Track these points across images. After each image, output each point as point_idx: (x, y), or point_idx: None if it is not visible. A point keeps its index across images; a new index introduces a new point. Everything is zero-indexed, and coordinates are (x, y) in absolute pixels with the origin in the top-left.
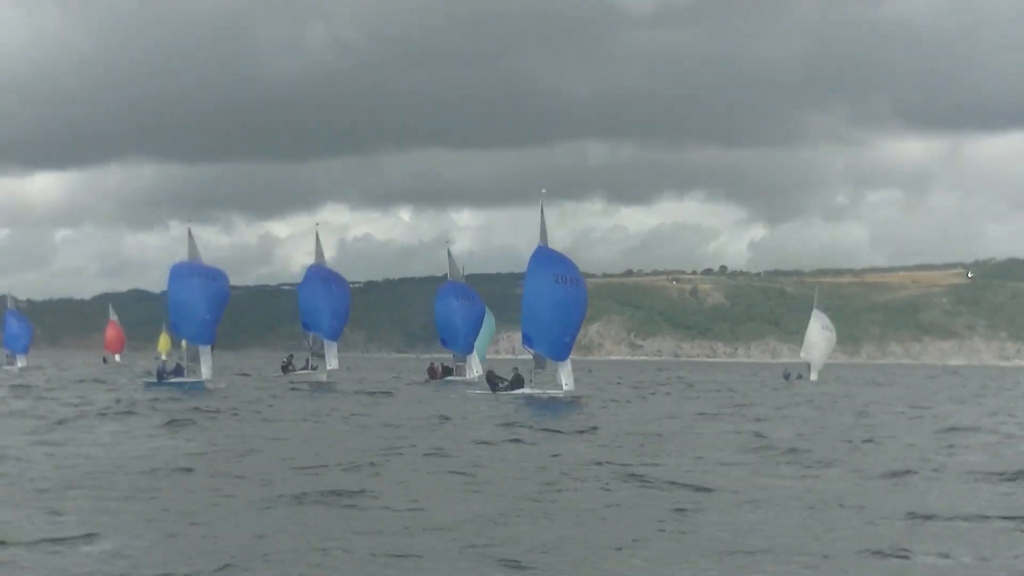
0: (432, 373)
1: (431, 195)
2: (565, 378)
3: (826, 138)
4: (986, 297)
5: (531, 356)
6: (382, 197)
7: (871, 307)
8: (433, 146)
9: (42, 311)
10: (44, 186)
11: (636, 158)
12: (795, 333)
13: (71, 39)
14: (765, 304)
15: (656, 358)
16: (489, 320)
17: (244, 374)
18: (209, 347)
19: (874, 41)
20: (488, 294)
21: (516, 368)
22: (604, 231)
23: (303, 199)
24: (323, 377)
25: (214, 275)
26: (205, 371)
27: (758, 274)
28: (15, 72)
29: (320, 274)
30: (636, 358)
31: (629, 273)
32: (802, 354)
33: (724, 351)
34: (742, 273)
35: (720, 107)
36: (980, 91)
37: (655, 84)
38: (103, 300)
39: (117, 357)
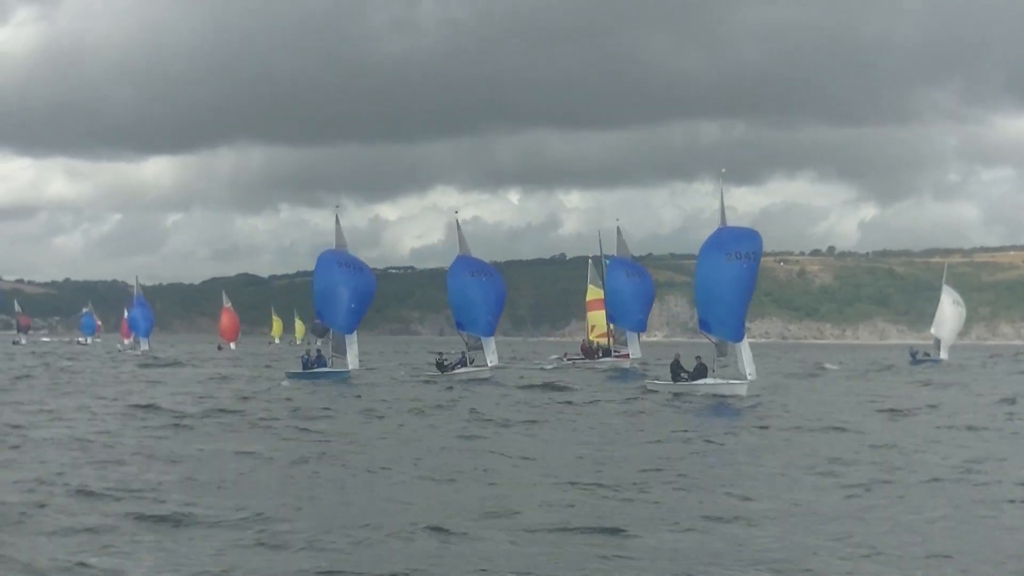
0: (588, 353)
1: (540, 176)
2: (748, 365)
3: (939, 115)
4: None
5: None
6: (491, 178)
7: (981, 287)
8: (542, 126)
9: (152, 295)
10: (156, 171)
11: (746, 137)
12: (904, 314)
13: (181, 24)
14: (873, 285)
15: (764, 340)
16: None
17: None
18: (355, 336)
19: (989, 17)
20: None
21: (699, 356)
22: (713, 212)
23: (412, 181)
24: (487, 374)
25: (359, 266)
26: (351, 360)
27: (866, 254)
28: (126, 59)
29: (469, 267)
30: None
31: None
32: (932, 330)
33: (832, 333)
34: (850, 254)
35: (831, 85)
36: None
37: (766, 62)
38: (212, 285)
39: (232, 345)
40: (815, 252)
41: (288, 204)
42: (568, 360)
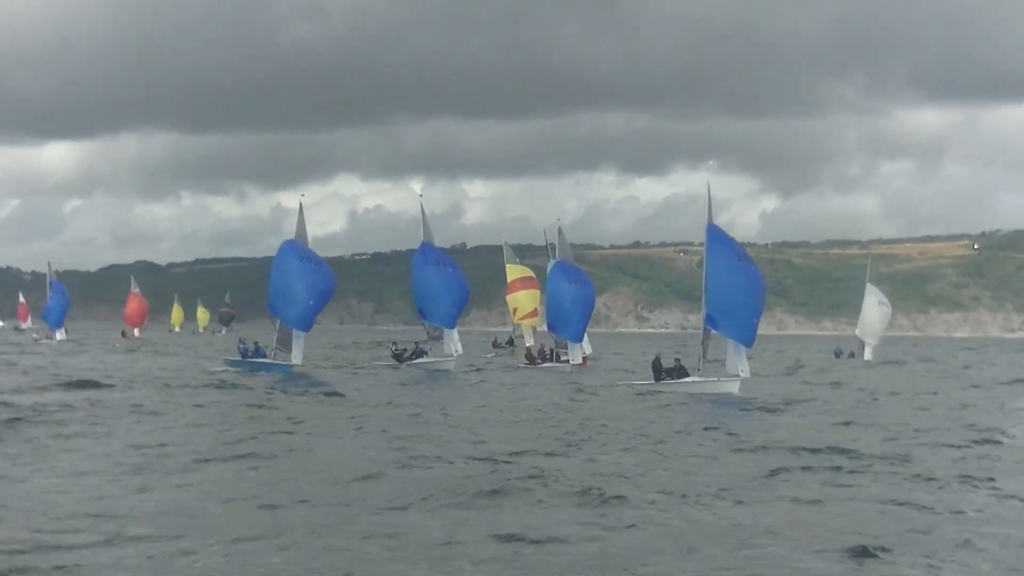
0: (531, 359)
1: (443, 165)
2: (741, 364)
3: (842, 108)
4: (992, 269)
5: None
6: (395, 167)
7: (878, 279)
8: (447, 116)
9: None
10: (56, 156)
11: (651, 128)
12: (802, 305)
13: (85, 7)
14: (772, 276)
15: (664, 330)
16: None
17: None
18: (303, 334)
19: (892, 11)
20: (501, 266)
21: (677, 357)
22: (616, 202)
23: (316, 169)
24: (451, 365)
25: (317, 259)
26: (296, 355)
27: (765, 245)
28: (28, 42)
29: (435, 257)
30: (643, 331)
31: (636, 244)
32: (857, 331)
33: None
34: (749, 244)
35: (736, 76)
36: (997, 61)
37: (672, 53)
38: (110, 272)
39: (136, 331)
40: None
41: (190, 191)
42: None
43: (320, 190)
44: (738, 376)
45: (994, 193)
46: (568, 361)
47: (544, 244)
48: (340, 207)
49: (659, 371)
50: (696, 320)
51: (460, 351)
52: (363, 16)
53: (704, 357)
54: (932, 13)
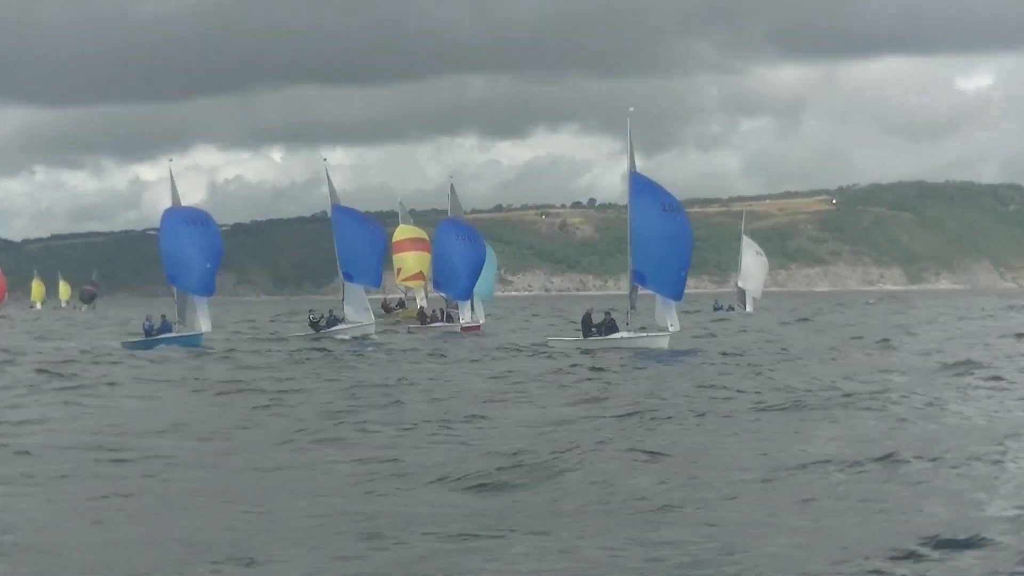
0: (423, 318)
1: (304, 134)
2: (670, 318)
3: (702, 67)
4: (850, 223)
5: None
6: (253, 136)
7: (739, 236)
8: (305, 83)
9: None
10: None
11: (512, 91)
12: None
13: None
14: None
15: (527, 292)
16: (491, 257)
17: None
18: (206, 299)
19: None
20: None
21: (609, 311)
22: (478, 166)
23: (173, 141)
24: (371, 331)
25: (204, 220)
26: (203, 323)
27: (626, 206)
28: None
29: (354, 217)
30: (507, 294)
31: (499, 208)
32: (739, 283)
33: (594, 284)
34: (611, 205)
35: (596, 37)
36: (853, 17)
37: (533, 15)
38: None
39: None
40: (576, 204)
41: (44, 166)
42: (409, 330)
43: (179, 162)
44: (667, 330)
45: (852, 149)
46: (478, 326)
47: (427, 210)
48: (199, 178)
49: (588, 327)
50: (559, 281)
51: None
52: None
53: (633, 309)
54: None
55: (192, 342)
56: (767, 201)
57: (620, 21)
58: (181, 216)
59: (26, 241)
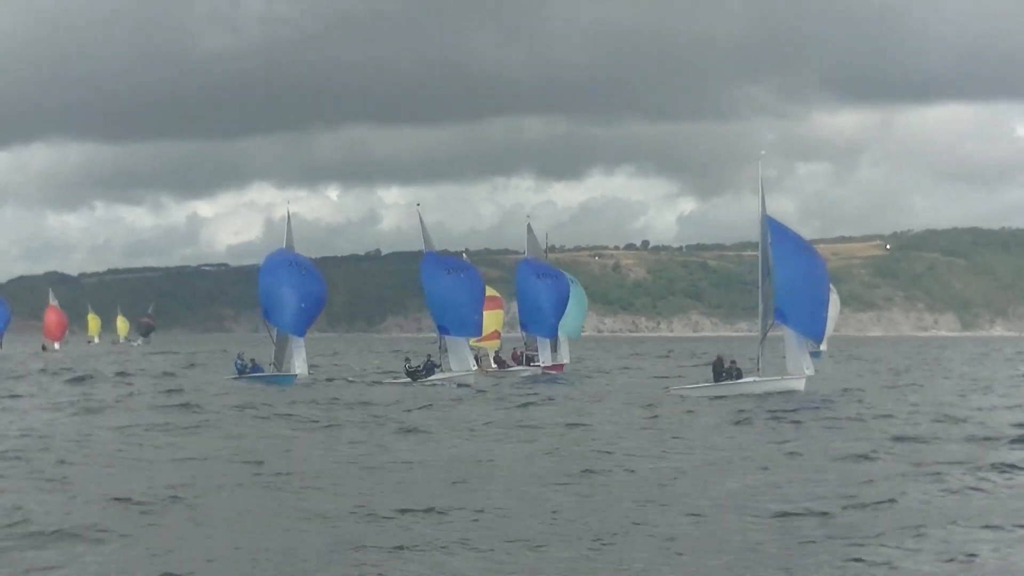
0: (500, 363)
1: (359, 173)
2: (805, 362)
3: (758, 111)
4: (903, 269)
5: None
6: (310, 174)
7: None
8: (362, 122)
9: None
10: None
11: (568, 133)
12: (717, 307)
13: None
14: (687, 278)
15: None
16: (580, 295)
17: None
18: (302, 341)
19: (806, 15)
20: (416, 272)
21: (733, 359)
22: (532, 207)
23: (231, 177)
24: (471, 380)
25: (310, 269)
26: (299, 365)
27: (679, 248)
28: None
29: (446, 264)
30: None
31: (552, 249)
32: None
33: (646, 326)
34: (664, 247)
35: (652, 81)
36: (911, 63)
37: (588, 59)
38: (19, 283)
39: (56, 344)
40: (629, 246)
41: (103, 201)
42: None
43: (235, 199)
44: (803, 374)
45: (907, 195)
46: (560, 366)
47: (480, 250)
48: (255, 216)
49: (720, 372)
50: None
51: (474, 367)
52: (277, 25)
53: (762, 356)
54: (845, 16)
55: (284, 381)
56: (821, 245)
57: (677, 64)
58: (286, 258)
59: (82, 275)
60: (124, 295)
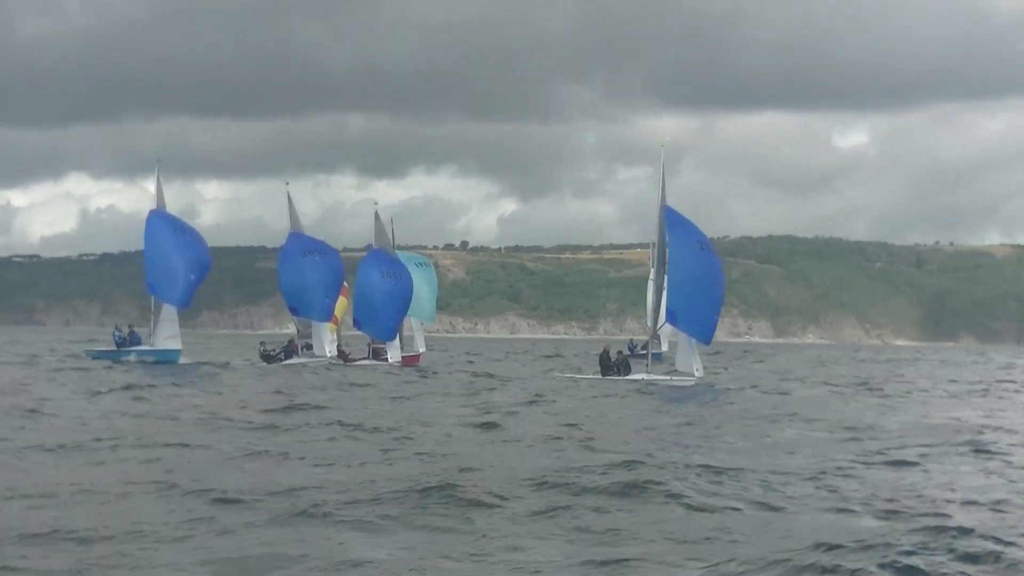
0: (343, 356)
1: (178, 165)
2: (695, 363)
3: (581, 113)
4: None
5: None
6: (127, 166)
7: (608, 283)
8: (182, 114)
9: None
10: None
11: (391, 131)
12: (535, 309)
13: None
14: (505, 280)
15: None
16: (432, 278)
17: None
18: (175, 311)
19: (631, 18)
20: (233, 268)
21: (621, 351)
22: (354, 204)
23: (46, 167)
24: (327, 364)
25: (193, 233)
26: (175, 338)
27: (499, 249)
28: None
29: (305, 246)
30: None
31: (370, 247)
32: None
33: (464, 326)
34: (483, 248)
35: (477, 80)
36: (733, 70)
37: (415, 55)
38: None
39: None
40: (448, 246)
41: None
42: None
43: (51, 189)
44: (693, 375)
45: (726, 200)
46: (387, 359)
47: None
48: (71, 207)
49: (608, 365)
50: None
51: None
52: (100, 10)
53: (650, 352)
54: (670, 21)
55: (170, 357)
56: (639, 249)
57: (502, 63)
58: (168, 223)
59: None
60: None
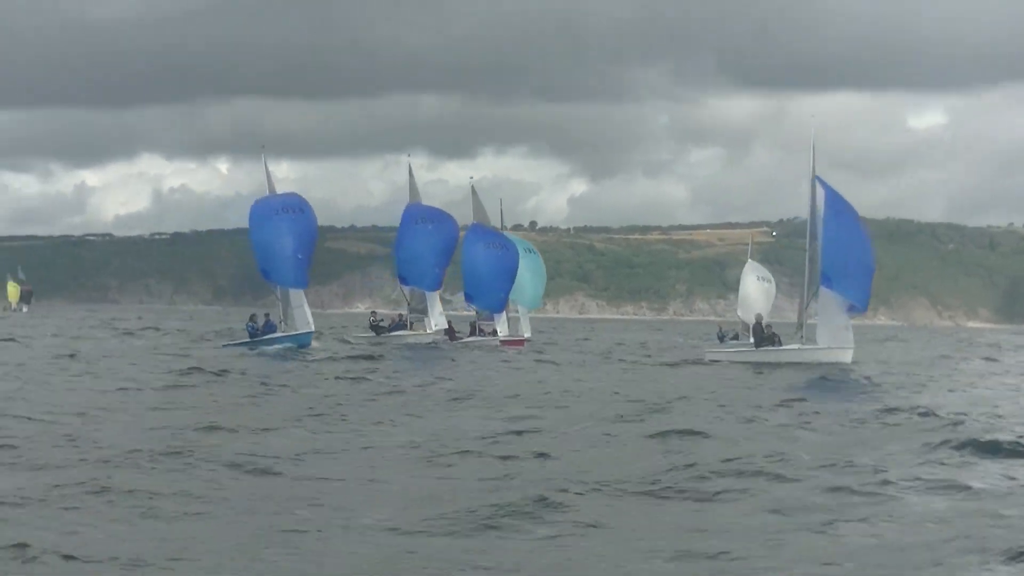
0: (451, 333)
1: (250, 146)
2: (849, 335)
3: (652, 94)
4: (789, 256)
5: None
6: (200, 147)
7: (678, 264)
8: (254, 95)
9: None
10: None
11: (462, 112)
12: (603, 290)
13: None
14: (574, 260)
15: (466, 313)
16: (539, 266)
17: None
18: (303, 292)
19: None
20: None
21: (768, 324)
22: (424, 184)
23: (120, 147)
24: (429, 339)
25: (300, 206)
26: (309, 319)
27: (568, 230)
28: None
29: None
30: (449, 313)
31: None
32: (739, 312)
33: None
34: (552, 229)
35: (548, 61)
36: (806, 51)
37: (486, 36)
38: None
39: None
40: (517, 227)
41: None
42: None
43: (124, 169)
44: (850, 344)
45: (797, 182)
46: (495, 334)
47: (367, 226)
48: (143, 186)
49: (761, 336)
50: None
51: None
52: None
53: (805, 324)
54: (742, 1)
55: (302, 341)
56: (708, 231)
57: (573, 44)
58: (274, 205)
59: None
60: (6, 263)
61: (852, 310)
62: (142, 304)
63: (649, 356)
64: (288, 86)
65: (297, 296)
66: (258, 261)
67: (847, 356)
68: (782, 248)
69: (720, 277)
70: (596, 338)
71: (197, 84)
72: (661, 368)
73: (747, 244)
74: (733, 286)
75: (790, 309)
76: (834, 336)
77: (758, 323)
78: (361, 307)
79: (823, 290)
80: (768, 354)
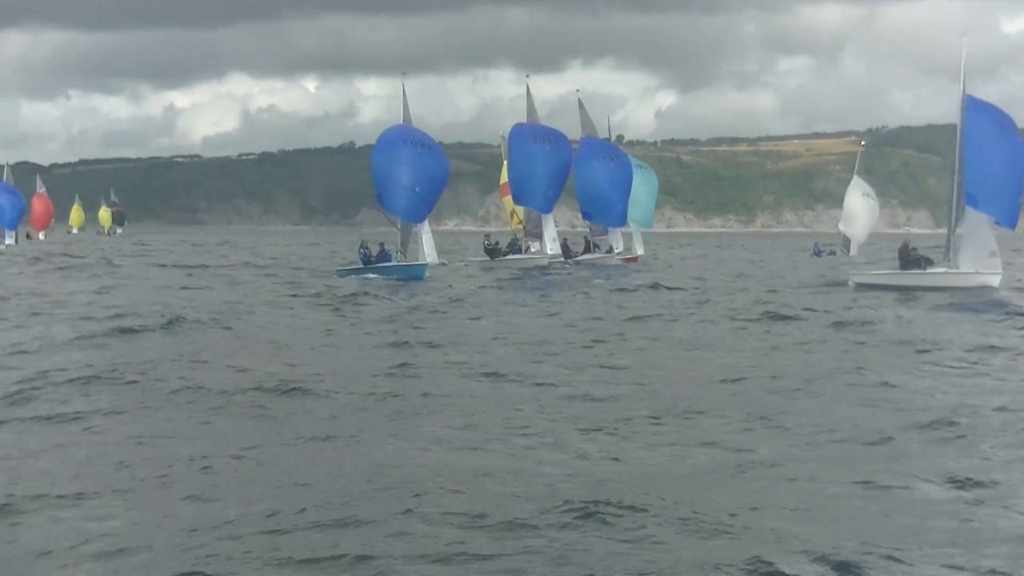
0: (567, 252)
1: (337, 64)
2: (996, 259)
3: (741, 3)
4: (877, 165)
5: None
6: (287, 65)
7: (765, 175)
8: (341, 11)
9: None
10: None
11: (549, 24)
12: (691, 203)
13: None
14: (662, 174)
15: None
16: (651, 181)
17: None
18: (427, 225)
19: None
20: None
21: (915, 246)
22: (511, 99)
23: (207, 68)
24: (546, 261)
25: (428, 143)
26: (429, 252)
27: (654, 143)
28: None
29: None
30: (563, 229)
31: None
32: (841, 226)
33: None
34: (639, 142)
35: None
36: None
37: None
38: None
39: (41, 234)
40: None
41: (79, 90)
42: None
43: (213, 89)
44: (999, 268)
45: (887, 90)
46: (612, 251)
47: (454, 143)
48: (232, 106)
49: (907, 260)
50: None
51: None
52: None
53: (952, 247)
54: None
55: (415, 273)
56: (795, 141)
57: None
58: (401, 136)
59: (54, 166)
60: (97, 186)
61: (999, 225)
62: (230, 225)
63: (783, 278)
64: (374, 2)
65: (420, 227)
66: (375, 187)
67: (995, 280)
68: (871, 157)
69: (808, 189)
70: (704, 256)
71: (283, 1)
72: (812, 294)
73: (835, 154)
74: (820, 197)
75: (878, 219)
76: (979, 260)
77: (904, 245)
78: (449, 224)
79: (968, 210)
80: (915, 278)
